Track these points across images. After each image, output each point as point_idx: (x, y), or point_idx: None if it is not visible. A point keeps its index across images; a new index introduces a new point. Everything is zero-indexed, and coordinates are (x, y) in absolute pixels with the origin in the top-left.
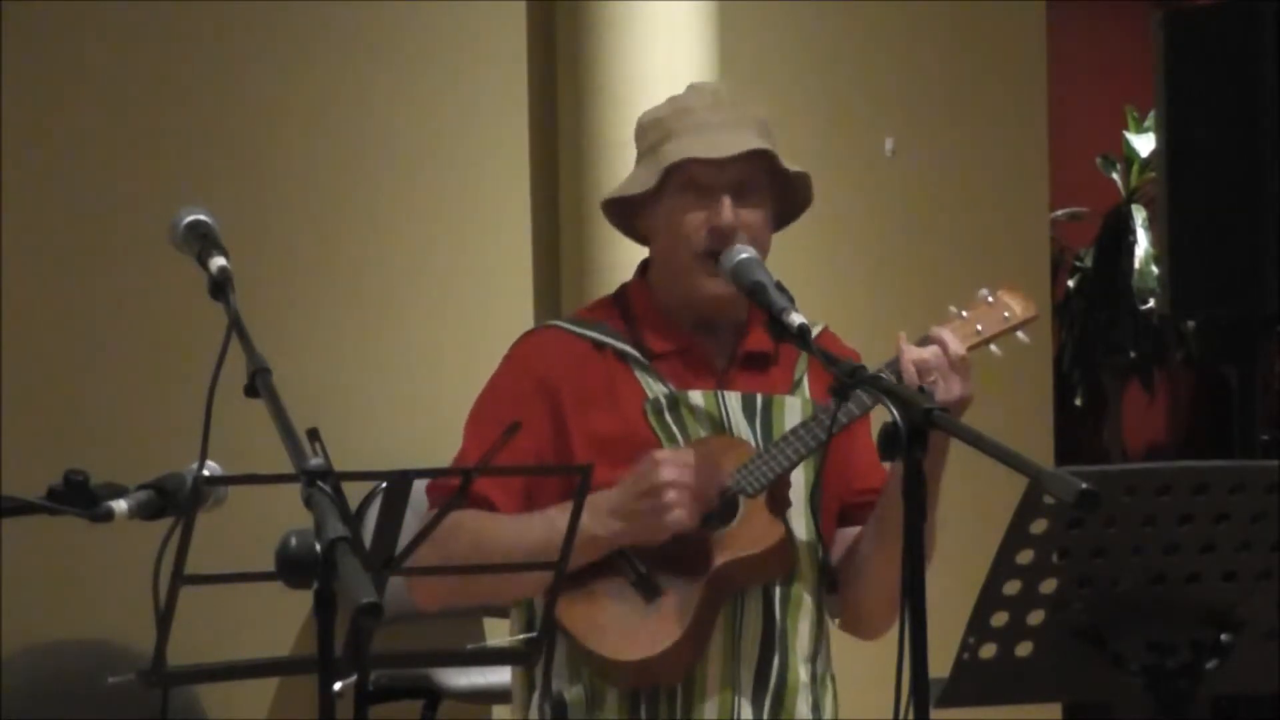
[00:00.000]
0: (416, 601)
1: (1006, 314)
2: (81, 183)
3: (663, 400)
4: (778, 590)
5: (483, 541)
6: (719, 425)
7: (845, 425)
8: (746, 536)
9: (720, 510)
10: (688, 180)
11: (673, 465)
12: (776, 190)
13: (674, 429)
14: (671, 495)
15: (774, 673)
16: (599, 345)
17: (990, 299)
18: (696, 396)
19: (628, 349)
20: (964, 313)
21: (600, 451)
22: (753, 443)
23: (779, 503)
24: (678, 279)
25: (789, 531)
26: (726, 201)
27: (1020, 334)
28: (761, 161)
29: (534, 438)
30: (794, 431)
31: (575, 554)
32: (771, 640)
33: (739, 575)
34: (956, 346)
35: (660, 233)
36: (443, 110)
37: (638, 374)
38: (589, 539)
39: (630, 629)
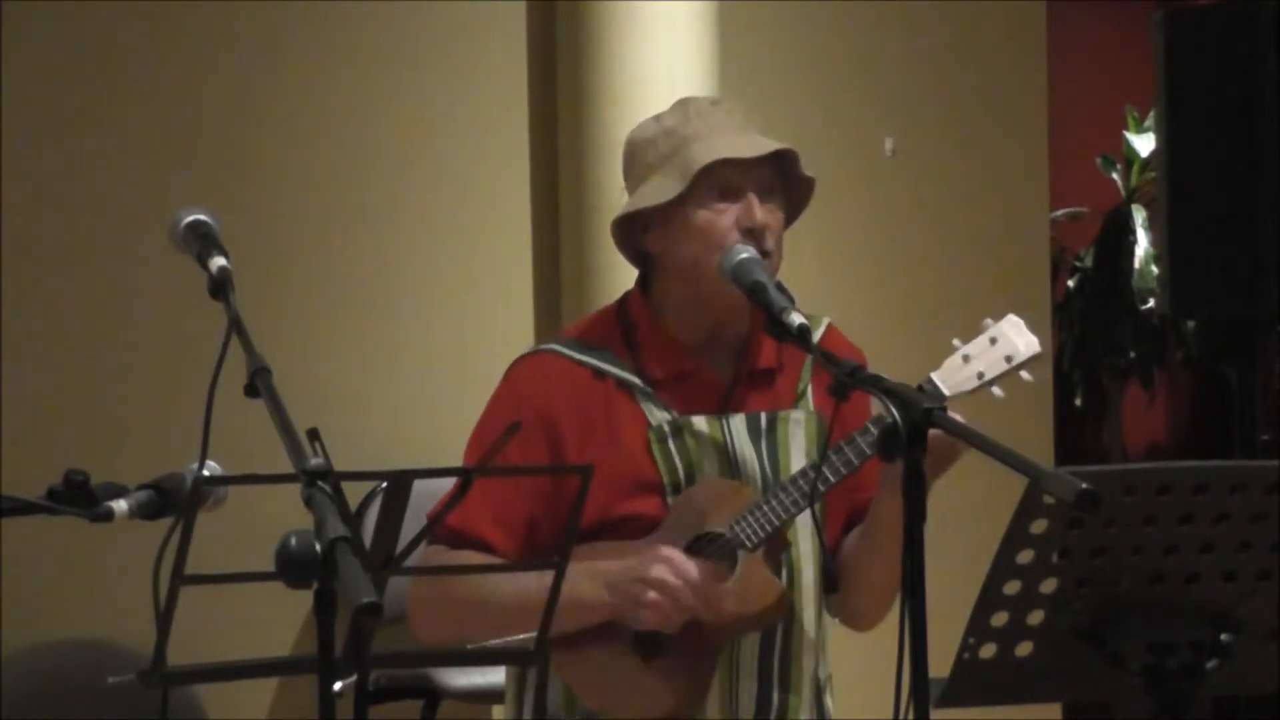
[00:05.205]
0: (419, 636)
1: (1009, 355)
2: (81, 183)
3: (666, 427)
4: (779, 622)
5: (482, 593)
6: (723, 451)
7: (841, 480)
8: (746, 594)
9: (718, 563)
10: (715, 182)
11: (667, 568)
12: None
13: (676, 458)
14: (650, 596)
15: (774, 701)
16: (599, 373)
17: (994, 336)
18: (700, 422)
19: (629, 377)
20: (965, 352)
21: (600, 484)
22: (758, 466)
23: (776, 547)
24: (702, 285)
25: (788, 579)
26: (755, 200)
27: (1024, 373)
28: (777, 164)
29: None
30: (793, 480)
31: (568, 617)
32: (770, 668)
33: (738, 630)
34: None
35: (683, 241)
36: (443, 110)
37: (640, 401)
38: (579, 600)
39: (629, 689)
